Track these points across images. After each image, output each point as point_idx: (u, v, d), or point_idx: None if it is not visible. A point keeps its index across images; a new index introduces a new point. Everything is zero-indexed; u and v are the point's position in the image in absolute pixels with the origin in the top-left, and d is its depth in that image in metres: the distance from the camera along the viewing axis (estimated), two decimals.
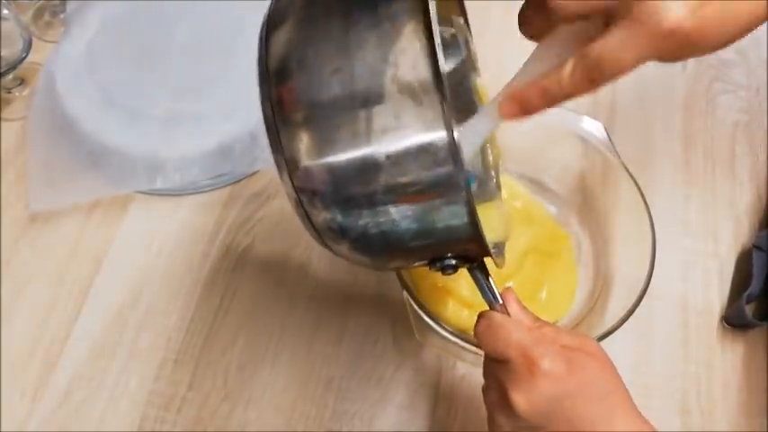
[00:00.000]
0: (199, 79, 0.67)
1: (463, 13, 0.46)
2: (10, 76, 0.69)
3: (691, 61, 0.76)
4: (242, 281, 0.61)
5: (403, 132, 0.32)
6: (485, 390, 0.40)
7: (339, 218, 0.35)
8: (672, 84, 0.74)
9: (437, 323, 0.49)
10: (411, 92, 0.32)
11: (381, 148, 0.33)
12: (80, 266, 0.61)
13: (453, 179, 0.33)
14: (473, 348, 0.49)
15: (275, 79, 0.35)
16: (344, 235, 0.35)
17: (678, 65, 0.75)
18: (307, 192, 0.35)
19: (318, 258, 0.62)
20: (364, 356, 0.57)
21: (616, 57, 0.32)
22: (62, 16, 0.75)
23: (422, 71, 0.32)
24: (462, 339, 0.49)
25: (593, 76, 0.33)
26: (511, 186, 0.59)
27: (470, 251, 0.38)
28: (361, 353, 0.57)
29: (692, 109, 0.72)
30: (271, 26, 0.36)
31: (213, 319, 0.59)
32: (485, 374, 0.40)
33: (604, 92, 0.73)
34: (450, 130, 0.32)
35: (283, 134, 0.34)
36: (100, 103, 0.65)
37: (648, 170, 0.67)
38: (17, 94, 0.71)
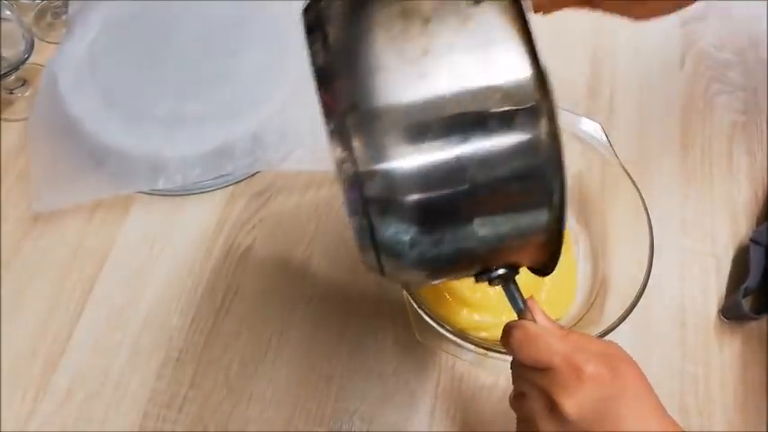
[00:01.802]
0: (201, 80, 0.67)
1: None
2: (12, 77, 0.69)
3: (689, 62, 0.76)
4: (243, 280, 0.61)
5: (500, 134, 0.31)
6: (517, 399, 0.40)
7: (413, 230, 0.32)
8: (670, 84, 0.74)
9: (437, 322, 0.49)
10: (508, 93, 0.31)
11: (474, 149, 0.31)
12: (82, 266, 0.61)
13: (550, 177, 0.32)
14: (472, 347, 0.49)
15: (346, 79, 0.31)
16: (413, 248, 0.33)
17: (676, 64, 0.76)
18: (378, 202, 0.31)
19: (319, 258, 0.62)
20: (364, 355, 0.57)
21: None
22: (64, 17, 0.76)
23: (520, 71, 0.31)
24: (462, 339, 0.49)
25: None
26: None
27: (528, 257, 0.37)
28: (361, 352, 0.58)
29: (689, 109, 0.73)
30: (332, 20, 0.33)
31: (215, 317, 0.59)
32: (518, 384, 0.39)
33: (602, 92, 0.73)
34: (555, 131, 0.31)
35: (355, 138, 0.31)
36: (102, 104, 0.65)
37: (646, 170, 0.68)
38: (19, 94, 0.71)
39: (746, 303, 0.58)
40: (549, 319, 0.39)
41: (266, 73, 0.68)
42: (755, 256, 0.60)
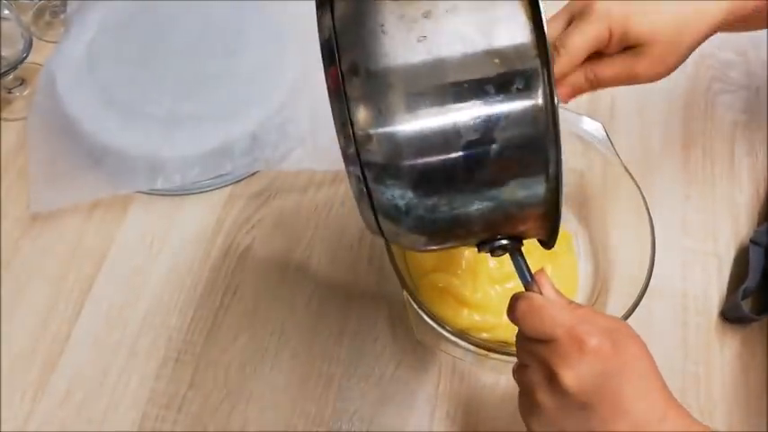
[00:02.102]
0: (199, 79, 0.67)
1: None
2: (10, 77, 0.69)
3: (690, 62, 0.76)
4: (242, 280, 0.61)
5: (497, 99, 0.31)
6: (519, 371, 0.39)
7: (409, 195, 0.32)
8: (672, 84, 0.74)
9: (437, 323, 0.49)
10: (507, 57, 0.31)
11: (470, 114, 0.31)
12: (81, 266, 0.61)
13: (546, 145, 0.32)
14: (472, 348, 0.49)
15: (349, 42, 0.32)
16: (409, 213, 0.33)
17: None
18: (375, 166, 0.32)
19: (319, 258, 0.62)
20: (364, 355, 0.57)
21: (570, 40, 0.45)
22: (62, 16, 0.76)
23: (521, 36, 0.31)
24: (462, 339, 0.49)
25: (558, 53, 0.45)
26: None
27: (530, 228, 0.37)
28: (361, 352, 0.57)
29: (691, 109, 0.73)
30: None
31: (214, 318, 0.59)
32: (521, 356, 0.39)
33: (604, 92, 0.73)
34: (553, 100, 0.31)
35: (355, 101, 0.31)
36: (100, 104, 0.65)
37: (648, 170, 0.67)
38: (18, 94, 0.71)
39: (747, 304, 0.58)
40: (557, 291, 0.39)
41: (265, 73, 0.68)
42: (755, 257, 0.60)
